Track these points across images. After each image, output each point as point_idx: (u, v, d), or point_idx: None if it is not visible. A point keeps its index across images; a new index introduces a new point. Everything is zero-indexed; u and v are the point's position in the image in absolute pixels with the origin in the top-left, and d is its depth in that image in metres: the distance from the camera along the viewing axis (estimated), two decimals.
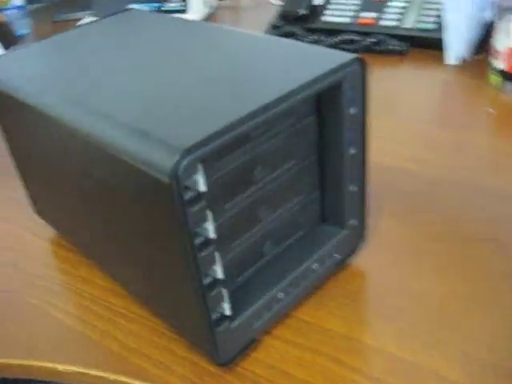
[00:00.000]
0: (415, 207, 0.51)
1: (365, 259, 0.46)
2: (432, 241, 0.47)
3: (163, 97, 0.34)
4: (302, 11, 0.88)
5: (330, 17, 0.88)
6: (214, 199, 0.34)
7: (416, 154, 0.58)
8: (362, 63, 0.36)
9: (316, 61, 0.36)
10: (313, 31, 0.87)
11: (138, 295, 0.43)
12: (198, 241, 0.31)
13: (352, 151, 0.40)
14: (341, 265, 0.45)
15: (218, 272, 0.33)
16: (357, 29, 0.84)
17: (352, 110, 0.38)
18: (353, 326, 0.40)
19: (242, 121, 0.31)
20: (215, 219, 0.35)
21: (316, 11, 0.89)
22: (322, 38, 0.85)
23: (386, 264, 0.45)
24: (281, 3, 0.95)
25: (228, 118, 0.30)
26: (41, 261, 0.51)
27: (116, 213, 0.37)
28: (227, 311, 0.35)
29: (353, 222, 0.43)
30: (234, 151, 0.34)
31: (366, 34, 0.83)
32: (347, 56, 0.36)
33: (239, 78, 0.35)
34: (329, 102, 0.38)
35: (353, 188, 0.42)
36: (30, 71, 0.42)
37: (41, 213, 0.52)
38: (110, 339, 0.42)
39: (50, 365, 0.40)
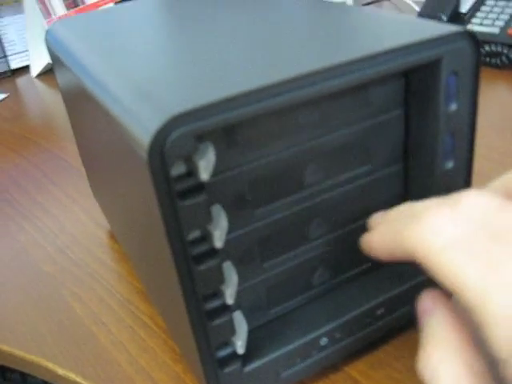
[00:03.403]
0: None
1: None
2: None
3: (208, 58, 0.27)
4: (444, 17, 0.77)
5: (478, 26, 0.75)
6: (239, 199, 0.26)
7: None
8: (472, 40, 0.26)
9: (408, 29, 0.26)
10: None
11: (155, 305, 0.36)
12: (195, 250, 0.23)
13: (448, 166, 0.29)
14: None
15: (227, 295, 0.25)
16: (506, 40, 0.71)
17: (452, 107, 0.27)
18: None
19: (280, 87, 0.22)
20: (240, 226, 0.27)
21: (459, 19, 0.77)
22: None
23: None
24: (417, 8, 0.84)
25: (263, 81, 0.22)
26: (87, 249, 0.46)
27: (127, 199, 0.30)
28: (239, 348, 0.27)
29: None
30: (274, 136, 0.26)
31: None
32: (451, 28, 0.26)
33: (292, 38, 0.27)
34: (420, 91, 0.28)
35: None
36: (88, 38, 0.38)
37: (96, 196, 0.48)
38: (121, 350, 0.35)
39: (50, 365, 0.35)
